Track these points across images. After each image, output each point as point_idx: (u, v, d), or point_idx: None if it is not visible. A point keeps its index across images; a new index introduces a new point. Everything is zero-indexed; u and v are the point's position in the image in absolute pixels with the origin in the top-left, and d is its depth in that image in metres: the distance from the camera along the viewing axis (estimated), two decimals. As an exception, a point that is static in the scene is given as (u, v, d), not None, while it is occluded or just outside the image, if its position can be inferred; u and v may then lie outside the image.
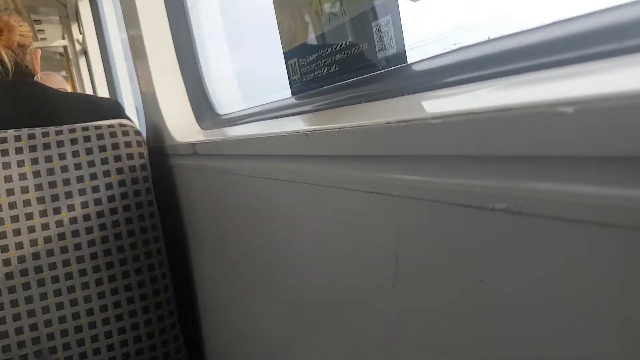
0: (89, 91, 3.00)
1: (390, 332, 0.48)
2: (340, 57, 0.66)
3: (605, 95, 0.25)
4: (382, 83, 0.58)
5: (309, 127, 0.55)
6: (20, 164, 1.03)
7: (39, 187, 1.04)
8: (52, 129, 1.07)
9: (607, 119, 0.25)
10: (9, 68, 1.18)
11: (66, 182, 1.06)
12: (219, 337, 1.09)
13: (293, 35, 0.76)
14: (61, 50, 3.33)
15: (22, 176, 1.03)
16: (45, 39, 3.16)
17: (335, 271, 0.56)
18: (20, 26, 1.25)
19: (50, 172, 1.05)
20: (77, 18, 2.84)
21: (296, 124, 0.70)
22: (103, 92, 2.78)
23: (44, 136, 1.05)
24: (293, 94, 0.81)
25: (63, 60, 3.39)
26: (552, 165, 0.29)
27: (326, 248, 0.57)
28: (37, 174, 1.04)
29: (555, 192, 0.29)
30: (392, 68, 0.57)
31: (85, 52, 2.91)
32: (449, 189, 0.37)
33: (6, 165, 1.02)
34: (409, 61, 0.55)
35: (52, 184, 1.05)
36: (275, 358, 0.80)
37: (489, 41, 0.46)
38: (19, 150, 1.03)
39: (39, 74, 1.36)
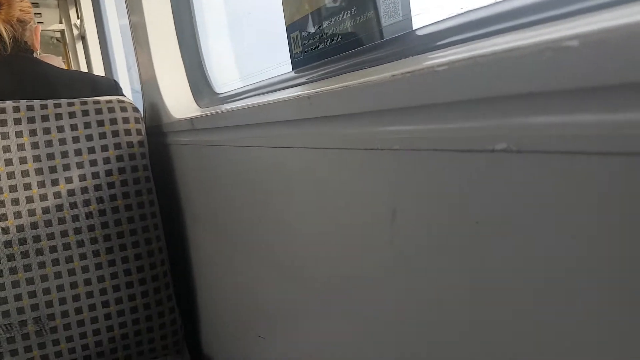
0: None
1: (389, 288, 0.49)
2: (344, 27, 0.67)
3: (608, 28, 0.26)
4: (387, 48, 0.59)
5: (312, 91, 0.56)
6: (19, 134, 1.03)
7: (37, 159, 1.04)
8: (50, 102, 1.07)
9: (612, 48, 0.26)
10: (7, 43, 1.17)
11: (64, 154, 1.06)
12: (215, 309, 1.10)
13: (296, 8, 0.77)
14: (58, 35, 3.32)
15: (21, 147, 1.03)
16: (42, 22, 3.14)
17: (333, 234, 0.57)
18: (21, 1, 1.24)
19: (49, 144, 1.05)
20: (76, 2, 2.83)
21: (297, 92, 0.71)
22: (100, 77, 2.76)
23: (42, 108, 1.05)
24: (294, 67, 0.81)
25: (60, 46, 3.38)
26: (553, 100, 0.30)
27: (324, 212, 0.58)
28: (35, 145, 1.04)
29: (555, 125, 0.30)
30: (397, 35, 0.58)
31: (82, 38, 2.91)
32: (449, 136, 0.38)
33: (4, 136, 1.02)
34: (414, 27, 0.56)
35: (50, 156, 1.05)
36: (274, 328, 0.81)
37: (495, 4, 0.47)
38: (17, 121, 1.03)
39: (38, 51, 1.36)
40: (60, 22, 3.13)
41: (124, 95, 1.25)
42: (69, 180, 1.06)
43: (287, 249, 0.70)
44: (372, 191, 0.49)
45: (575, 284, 0.31)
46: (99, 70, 2.76)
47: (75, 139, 1.07)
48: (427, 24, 0.54)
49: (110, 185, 1.09)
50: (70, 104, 1.08)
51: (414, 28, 0.55)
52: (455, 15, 0.50)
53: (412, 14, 0.55)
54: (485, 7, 0.47)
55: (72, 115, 1.07)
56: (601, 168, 0.28)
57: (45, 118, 1.05)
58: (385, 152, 0.46)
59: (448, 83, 0.36)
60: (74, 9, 2.85)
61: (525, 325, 0.35)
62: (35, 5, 2.94)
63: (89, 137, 1.08)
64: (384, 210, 0.47)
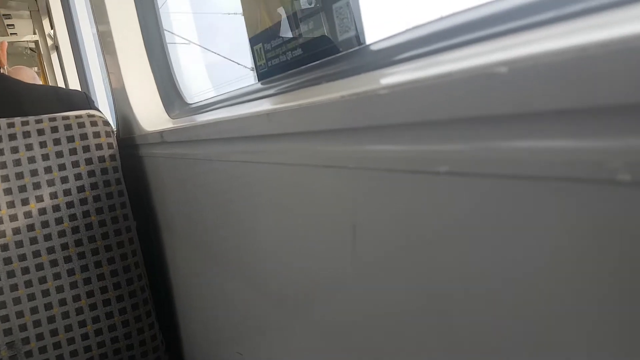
0: (61, 86, 2.96)
1: (352, 298, 0.50)
2: (303, 41, 0.67)
3: (536, 54, 0.26)
4: (342, 63, 0.59)
5: (270, 107, 0.56)
6: (-14, 155, 1.02)
7: (5, 179, 1.02)
8: (17, 120, 1.05)
9: (539, 74, 0.26)
10: (-26, 60, 1.16)
11: (34, 173, 1.05)
12: (195, 323, 1.09)
13: (257, 21, 0.77)
14: (32, 45, 3.28)
15: (-12, 167, 1.02)
16: (15, 33, 3.11)
17: (298, 248, 0.57)
18: (-14, 18, 1.23)
19: (17, 163, 1.04)
20: (48, 12, 2.79)
21: (260, 107, 0.71)
22: (75, 87, 2.74)
23: (9, 127, 1.04)
24: (259, 78, 0.81)
25: (34, 56, 3.34)
26: (487, 125, 0.30)
27: (288, 226, 0.59)
28: (3, 165, 1.03)
29: (490, 149, 0.30)
30: (352, 50, 0.58)
31: (56, 47, 2.87)
32: (397, 156, 0.38)
33: (-29, 157, 1.01)
34: (367, 42, 0.56)
35: (19, 175, 1.04)
36: (248, 339, 0.81)
37: (441, 19, 0.47)
38: (-16, 142, 1.02)
39: (5, 67, 1.35)
40: (34, 33, 3.10)
41: (96, 108, 1.24)
42: (39, 198, 1.05)
43: (256, 263, 0.70)
44: (332, 207, 0.49)
45: (524, 298, 0.31)
46: (73, 79, 2.73)
47: (45, 157, 1.06)
48: (379, 39, 0.54)
49: (83, 201, 1.08)
50: (38, 121, 1.07)
51: (367, 43, 0.55)
52: (405, 31, 0.51)
53: (365, 30, 0.55)
54: (432, 22, 0.47)
55: (40, 132, 1.06)
56: (536, 191, 0.28)
57: (12, 137, 1.04)
58: (342, 170, 0.46)
59: (390, 106, 0.37)
60: (47, 19, 2.82)
61: (481, 339, 0.35)
62: (8, 17, 2.91)
63: (59, 154, 1.07)
64: (344, 225, 0.48)
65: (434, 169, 0.35)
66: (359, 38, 0.56)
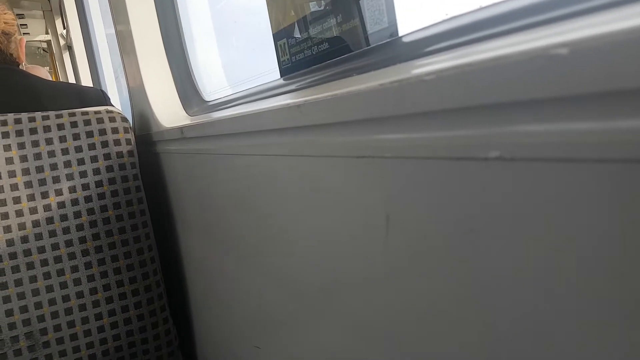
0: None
1: (383, 294, 0.49)
2: (330, 35, 0.67)
3: (597, 35, 0.26)
4: (373, 55, 0.59)
5: (302, 99, 0.56)
6: (7, 148, 1.02)
7: (26, 172, 1.03)
8: (38, 114, 1.06)
9: (600, 56, 0.26)
10: (-6, 56, 1.17)
11: (53, 166, 1.05)
12: (209, 317, 1.09)
13: (283, 16, 0.77)
14: (44, 45, 3.30)
15: (9, 160, 1.02)
16: (28, 33, 3.12)
17: (327, 241, 0.57)
18: (5, 14, 1.23)
19: (38, 156, 1.04)
20: (61, 12, 2.81)
21: (287, 100, 0.71)
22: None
23: (30, 121, 1.05)
24: (282, 74, 0.81)
25: (46, 56, 3.36)
26: (545, 108, 0.30)
27: (317, 219, 0.58)
28: (24, 159, 1.03)
29: (548, 133, 0.30)
30: (383, 42, 0.58)
31: (69, 47, 2.89)
32: (441, 144, 0.38)
33: (-8, 150, 1.01)
34: (400, 34, 0.56)
35: (40, 169, 1.04)
36: (269, 337, 0.80)
37: (480, 9, 0.47)
38: (5, 135, 1.02)
39: (24, 63, 1.35)
40: (47, 33, 3.12)
41: (112, 105, 1.24)
42: (58, 192, 1.05)
43: (279, 257, 0.70)
44: (364, 198, 0.49)
45: (572, 288, 0.31)
46: (86, 79, 2.75)
47: (65, 151, 1.06)
48: (412, 30, 0.54)
49: (101, 196, 1.08)
50: (58, 116, 1.07)
51: (400, 35, 0.55)
52: (440, 22, 0.51)
53: (398, 21, 0.55)
54: (469, 12, 0.47)
55: (60, 127, 1.07)
56: (594, 175, 0.28)
57: (33, 131, 1.04)
58: (377, 160, 0.46)
59: (436, 92, 0.36)
60: (59, 19, 2.84)
61: (521, 330, 0.35)
62: (21, 16, 2.92)
63: (78, 149, 1.07)
64: (377, 217, 0.47)
65: (483, 155, 0.34)
66: (391, 30, 0.56)
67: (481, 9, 0.46)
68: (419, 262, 0.44)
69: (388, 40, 0.57)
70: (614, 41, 0.25)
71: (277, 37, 0.80)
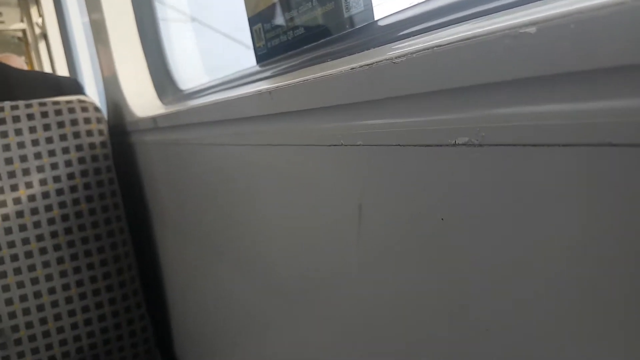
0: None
1: (358, 284, 0.48)
2: (306, 18, 0.65)
3: (564, 12, 0.25)
4: (348, 40, 0.57)
5: (272, 85, 0.54)
6: (-26, 139, 0.99)
7: (-6, 164, 1.00)
8: (7, 104, 1.03)
9: (569, 34, 0.24)
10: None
11: (23, 158, 1.02)
12: (186, 314, 1.07)
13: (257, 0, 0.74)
14: (20, 34, 3.22)
15: (-24, 152, 0.99)
16: (2, 22, 3.05)
17: (300, 232, 0.56)
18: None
19: (6, 148, 1.01)
20: (37, 0, 2.75)
21: (259, 86, 0.69)
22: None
23: (-2, 111, 1.01)
24: (258, 61, 0.79)
25: (22, 45, 3.28)
26: (514, 90, 0.28)
27: (290, 209, 0.57)
28: (-8, 150, 1.00)
29: (517, 116, 0.28)
30: (359, 27, 0.56)
31: (45, 36, 2.82)
32: (411, 130, 0.37)
33: (-41, 141, 0.98)
34: (376, 17, 0.54)
35: (9, 161, 1.01)
36: (246, 332, 0.79)
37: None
38: (-28, 126, 0.99)
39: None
40: (22, 21, 3.04)
41: (86, 95, 1.21)
42: (29, 185, 1.02)
43: (254, 249, 0.68)
44: (337, 187, 0.47)
45: (545, 275, 0.29)
46: (62, 68, 2.69)
47: (35, 142, 1.03)
48: (388, 14, 0.52)
49: (73, 188, 1.05)
50: (28, 106, 1.04)
51: (376, 19, 0.54)
52: (416, 5, 0.49)
53: (374, 4, 0.53)
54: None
55: (30, 117, 1.03)
56: (564, 159, 0.27)
57: (2, 121, 1.01)
58: (348, 148, 0.44)
59: (407, 75, 0.35)
60: (35, 7, 2.77)
61: (492, 319, 0.34)
62: (-5, 4, 2.85)
63: (49, 140, 1.04)
64: (350, 206, 0.46)
65: (452, 141, 0.33)
66: (367, 13, 0.54)
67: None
68: (392, 252, 0.42)
69: (364, 24, 0.55)
70: (582, 19, 0.24)
71: (252, 21, 0.78)
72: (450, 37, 0.31)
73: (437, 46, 0.32)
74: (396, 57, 0.35)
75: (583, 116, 0.25)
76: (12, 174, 1.01)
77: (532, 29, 0.26)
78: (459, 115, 0.32)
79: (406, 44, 0.46)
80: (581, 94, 0.25)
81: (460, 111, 0.32)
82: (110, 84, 1.27)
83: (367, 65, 0.38)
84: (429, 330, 0.40)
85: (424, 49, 0.33)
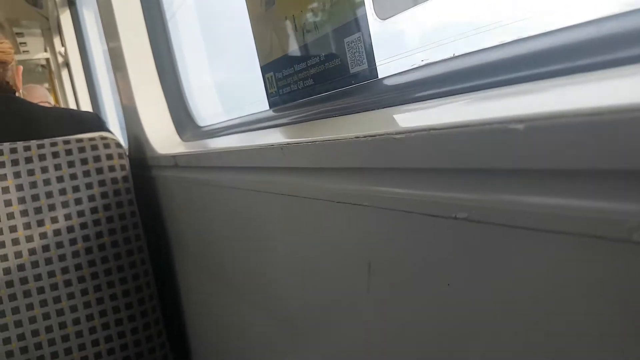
0: (71, 103, 3.00)
1: (368, 334, 0.50)
2: (315, 72, 0.68)
3: (552, 114, 0.27)
4: (355, 97, 0.60)
5: (284, 141, 0.57)
6: (3, 177, 1.04)
7: (22, 200, 1.04)
8: (33, 143, 1.07)
9: (554, 135, 0.27)
10: (-10, 85, 1.18)
11: (49, 194, 1.06)
12: (205, 344, 1.10)
13: (269, 50, 0.78)
14: (43, 62, 3.32)
15: (5, 190, 1.03)
16: (27, 51, 3.15)
17: (312, 278, 0.58)
18: (1, 43, 1.24)
19: (33, 185, 1.05)
20: (59, 30, 2.83)
21: (273, 137, 0.72)
22: (85, 103, 2.77)
23: (25, 150, 1.06)
24: (270, 106, 0.82)
25: (45, 73, 3.38)
26: (507, 177, 0.31)
27: (303, 256, 0.59)
28: (19, 187, 1.04)
29: (510, 202, 0.31)
30: (364, 82, 0.59)
31: (67, 64, 2.91)
32: (414, 199, 0.39)
33: (-12, 180, 1.03)
34: (380, 76, 0.57)
35: (35, 197, 1.05)
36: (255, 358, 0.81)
37: (453, 58, 0.48)
38: (1, 165, 1.04)
39: (20, 91, 1.37)
40: (45, 51, 3.14)
41: (108, 129, 1.26)
42: (54, 220, 1.06)
43: (265, 289, 0.71)
44: (347, 242, 0.50)
45: (538, 339, 0.32)
46: (84, 95, 2.76)
47: (60, 179, 1.07)
48: (392, 74, 0.55)
49: (96, 222, 1.09)
50: (53, 144, 1.08)
51: (380, 77, 0.57)
52: (417, 67, 0.52)
53: (377, 63, 0.56)
54: (443, 61, 0.49)
55: (55, 155, 1.08)
56: (549, 243, 0.29)
57: (29, 160, 1.06)
58: (356, 207, 0.47)
59: (406, 150, 0.38)
60: (58, 37, 2.86)
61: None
62: (20, 35, 2.95)
63: (73, 176, 1.09)
64: (359, 262, 0.48)
65: (452, 214, 0.35)
66: (371, 71, 0.57)
67: (455, 57, 0.48)
68: (399, 309, 0.44)
69: (369, 81, 0.58)
70: (567, 122, 0.26)
71: (264, 69, 0.81)
72: (444, 122, 0.34)
73: (432, 128, 0.35)
74: (396, 133, 0.38)
75: (565, 209, 0.28)
76: (38, 210, 1.06)
77: (520, 126, 0.29)
78: (457, 192, 0.35)
79: (407, 109, 0.49)
80: (560, 189, 0.28)
81: (458, 189, 0.35)
82: (130, 116, 1.31)
83: (371, 136, 0.41)
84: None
85: (420, 130, 0.36)
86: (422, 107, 0.47)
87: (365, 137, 0.42)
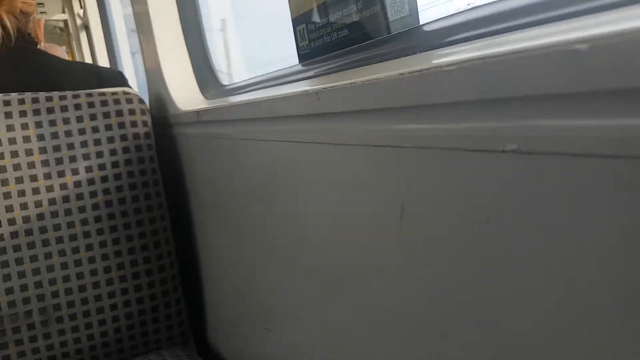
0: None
1: (396, 281, 0.50)
2: (350, 21, 0.67)
3: (617, 32, 0.26)
4: (394, 43, 0.59)
5: (319, 86, 0.56)
6: (24, 126, 1.03)
7: (43, 150, 1.04)
8: (55, 94, 1.07)
9: (620, 54, 0.26)
10: (12, 34, 1.17)
11: (70, 146, 1.06)
12: (222, 301, 1.11)
13: (302, 0, 0.77)
14: (61, 24, 3.31)
15: (26, 139, 1.03)
16: (45, 12, 3.14)
17: (341, 228, 0.58)
18: (23, -6, 1.23)
19: (54, 135, 1.05)
20: (79, -9, 2.82)
21: (305, 86, 0.71)
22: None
23: (47, 100, 1.06)
24: (300, 60, 0.81)
25: (63, 35, 3.37)
26: (563, 103, 0.30)
27: (332, 206, 0.59)
28: (41, 137, 1.04)
29: (565, 128, 0.30)
30: (403, 30, 0.58)
31: (86, 27, 2.90)
32: (459, 135, 0.38)
33: (10, 128, 1.03)
34: (421, 22, 0.56)
35: (56, 148, 1.05)
36: (280, 321, 0.81)
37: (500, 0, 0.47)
38: (22, 114, 1.04)
39: (42, 44, 1.36)
40: (63, 12, 3.13)
41: (130, 87, 1.25)
42: (75, 171, 1.06)
43: (294, 243, 0.71)
44: (380, 186, 0.49)
45: (584, 282, 0.31)
46: (103, 58, 2.76)
47: (82, 131, 1.07)
48: (433, 19, 0.54)
49: (117, 176, 1.09)
50: (75, 96, 1.08)
51: (421, 23, 0.55)
52: (462, 11, 0.51)
53: (419, 9, 0.55)
54: (491, 3, 0.47)
55: (77, 107, 1.08)
56: (609, 170, 0.28)
57: (50, 110, 1.06)
58: (394, 149, 0.46)
59: (457, 83, 0.37)
60: (77, -2, 2.85)
61: (533, 323, 0.35)
62: (39, -6, 2.94)
63: (95, 129, 1.08)
64: (392, 206, 0.48)
65: (500, 148, 0.35)
66: (412, 18, 0.56)
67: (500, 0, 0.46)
68: (434, 253, 0.44)
69: (409, 28, 0.57)
70: (634, 39, 0.25)
71: (296, 22, 0.80)
72: (501, 49, 0.33)
73: (488, 56, 0.34)
74: (446, 65, 0.37)
75: (628, 130, 0.27)
76: (59, 161, 1.06)
77: (584, 46, 0.28)
78: (507, 123, 0.34)
79: (453, 51, 0.48)
80: (626, 110, 0.27)
81: (509, 120, 0.34)
82: (154, 77, 1.31)
83: (417, 71, 0.40)
84: (466, 331, 0.42)
85: (475, 59, 0.35)
86: (468, 47, 0.45)
87: (410, 73, 0.41)
